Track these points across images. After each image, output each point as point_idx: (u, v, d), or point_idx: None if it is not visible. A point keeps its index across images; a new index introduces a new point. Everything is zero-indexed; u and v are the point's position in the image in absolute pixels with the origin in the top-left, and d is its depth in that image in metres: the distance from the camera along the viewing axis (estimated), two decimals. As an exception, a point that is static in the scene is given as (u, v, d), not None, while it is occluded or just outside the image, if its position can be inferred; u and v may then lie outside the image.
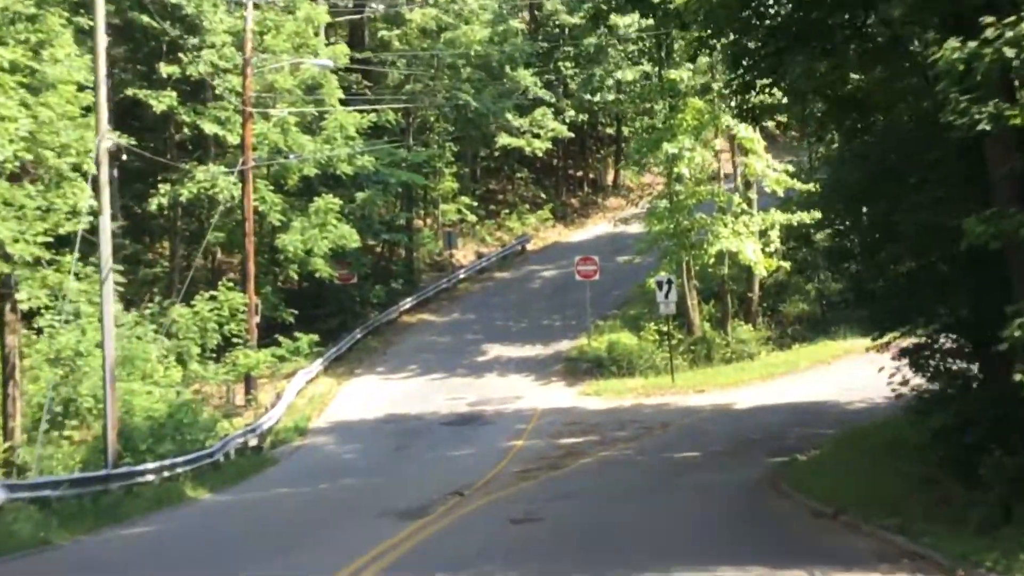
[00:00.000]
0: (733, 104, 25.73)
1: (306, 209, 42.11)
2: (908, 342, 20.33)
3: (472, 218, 55.74)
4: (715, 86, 38.37)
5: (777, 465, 22.82)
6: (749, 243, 38.50)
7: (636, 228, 45.25)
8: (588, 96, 58.22)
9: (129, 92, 39.69)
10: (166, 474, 24.66)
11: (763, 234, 39.73)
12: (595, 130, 67.74)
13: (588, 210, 62.96)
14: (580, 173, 66.66)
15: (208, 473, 27.16)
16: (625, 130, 61.50)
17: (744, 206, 39.76)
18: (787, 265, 40.95)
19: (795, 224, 39.75)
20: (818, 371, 36.26)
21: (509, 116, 55.20)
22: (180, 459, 25.67)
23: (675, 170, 38.65)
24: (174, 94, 39.68)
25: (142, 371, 33.04)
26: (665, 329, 39.15)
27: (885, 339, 19.40)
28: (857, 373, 35.32)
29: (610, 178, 66.08)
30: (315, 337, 40.77)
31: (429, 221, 56.83)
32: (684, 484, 20.12)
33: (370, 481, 24.81)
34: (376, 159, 46.14)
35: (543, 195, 62.04)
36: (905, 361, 19.34)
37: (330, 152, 42.29)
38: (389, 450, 30.23)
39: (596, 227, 59.48)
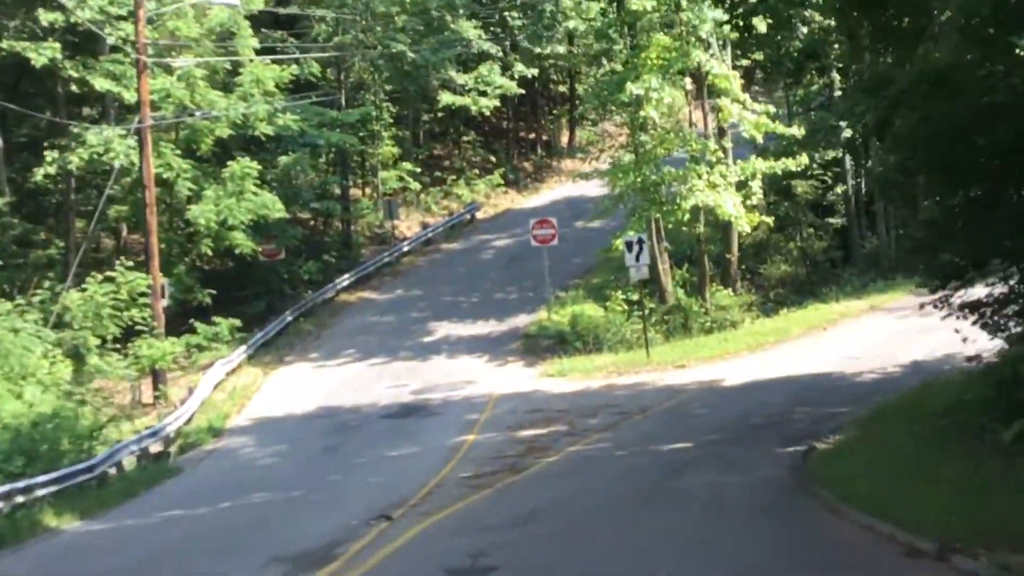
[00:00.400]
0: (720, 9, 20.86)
1: (221, 176, 36.78)
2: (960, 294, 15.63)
3: (415, 185, 50.62)
4: (683, 16, 33.41)
5: (795, 457, 18.05)
6: (728, 196, 33.65)
7: (596, 190, 40.45)
8: (538, 49, 53.51)
9: (4, 45, 34.04)
10: (20, 499, 19.42)
11: (742, 186, 34.88)
12: (547, 88, 62.90)
13: (542, 174, 58.06)
14: (532, 135, 61.65)
15: (86, 493, 21.99)
16: (579, 87, 56.65)
17: (720, 154, 34.86)
18: (770, 221, 36.23)
19: (779, 172, 35.07)
20: (813, 339, 31.62)
21: (452, 72, 50.17)
22: (42, 478, 20.47)
23: (641, 113, 33.63)
24: (57, 46, 34.11)
25: (22, 369, 27.91)
26: (635, 297, 34.37)
27: (948, 289, 14.48)
28: (858, 338, 30.93)
29: (565, 139, 61.14)
30: (236, 322, 35.86)
31: (368, 190, 51.66)
32: (685, 491, 15.20)
33: (282, 498, 19.67)
34: (303, 120, 40.88)
35: (493, 159, 56.97)
36: (972, 319, 14.58)
37: (246, 109, 36.90)
38: (316, 452, 25.20)
39: (552, 192, 54.81)
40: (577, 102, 56.18)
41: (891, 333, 30.63)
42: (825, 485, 14.14)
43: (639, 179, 34.24)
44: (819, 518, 12.51)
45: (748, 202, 34.40)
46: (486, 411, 27.52)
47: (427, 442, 24.65)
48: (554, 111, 62.84)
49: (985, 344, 16.75)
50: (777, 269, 39.98)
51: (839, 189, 40.99)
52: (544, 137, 61.72)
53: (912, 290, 35.57)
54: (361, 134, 47.62)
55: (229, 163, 36.59)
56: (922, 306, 15.45)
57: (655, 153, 34.68)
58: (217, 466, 25.63)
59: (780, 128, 35.09)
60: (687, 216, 33.94)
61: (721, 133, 36.52)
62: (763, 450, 19.20)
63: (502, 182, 54.50)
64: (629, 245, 31.74)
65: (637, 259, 31.54)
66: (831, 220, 41.49)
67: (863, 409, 21.45)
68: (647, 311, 33.48)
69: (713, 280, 36.79)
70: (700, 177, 33.76)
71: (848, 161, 40.47)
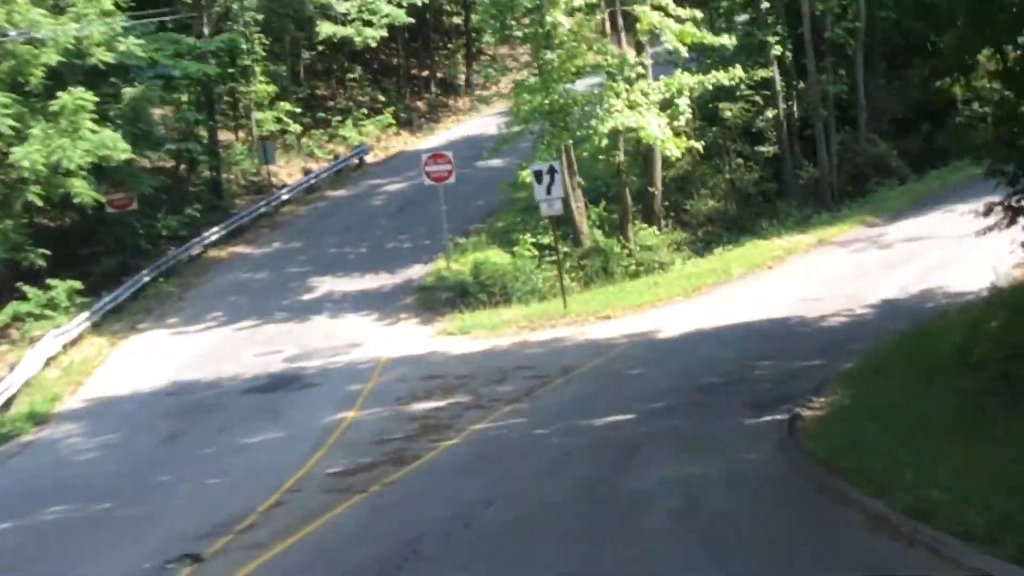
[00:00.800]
0: None
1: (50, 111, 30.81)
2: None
3: (296, 128, 44.86)
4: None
5: (777, 429, 13.37)
6: (652, 116, 28.78)
7: (497, 129, 35.33)
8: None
9: None
10: None
11: (667, 105, 30.02)
12: (440, 20, 57.28)
13: (438, 113, 52.58)
14: (425, 72, 56.05)
15: None
16: (475, 17, 51.27)
17: (640, 69, 29.92)
18: (700, 146, 31.44)
19: (709, 87, 30.29)
20: (759, 279, 27.10)
21: (330, -2, 44.57)
22: None
23: (547, 19, 28.48)
24: None
25: None
26: (547, 240, 29.51)
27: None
28: (811, 276, 26.52)
29: (462, 77, 55.74)
30: (77, 284, 30.26)
31: (242, 134, 45.75)
32: (643, 495, 10.28)
33: (81, 515, 14.36)
34: (155, 49, 34.95)
35: (382, 98, 51.22)
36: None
37: (78, 32, 30.92)
38: (155, 442, 20.06)
39: (448, 132, 49.50)
40: (474, 35, 50.98)
41: (848, 269, 26.33)
42: (854, 481, 9.32)
43: (546, 101, 29.21)
44: (878, 549, 7.61)
45: (676, 123, 29.52)
46: (372, 380, 22.59)
47: (295, 423, 19.70)
48: (449, 45, 57.35)
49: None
50: (704, 204, 35.27)
51: (769, 114, 36.33)
52: (439, 74, 56.23)
53: (865, 221, 31.35)
54: (231, 70, 41.80)
55: (59, 94, 30.61)
56: (987, 212, 10.64)
57: (564, 70, 29.62)
58: (29, 464, 20.37)
59: (708, 38, 30.27)
60: (605, 142, 29.00)
61: (639, 49, 31.50)
62: (730, 421, 14.53)
63: (393, 123, 48.97)
64: (538, 175, 26.69)
65: (548, 191, 26.52)
66: (762, 149, 36.87)
67: (842, 360, 17.17)
68: (561, 255, 28.58)
69: (635, 219, 32.01)
70: (618, 96, 28.81)
71: (779, 82, 35.86)
